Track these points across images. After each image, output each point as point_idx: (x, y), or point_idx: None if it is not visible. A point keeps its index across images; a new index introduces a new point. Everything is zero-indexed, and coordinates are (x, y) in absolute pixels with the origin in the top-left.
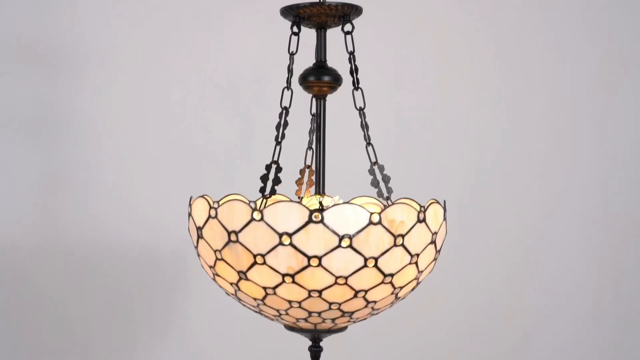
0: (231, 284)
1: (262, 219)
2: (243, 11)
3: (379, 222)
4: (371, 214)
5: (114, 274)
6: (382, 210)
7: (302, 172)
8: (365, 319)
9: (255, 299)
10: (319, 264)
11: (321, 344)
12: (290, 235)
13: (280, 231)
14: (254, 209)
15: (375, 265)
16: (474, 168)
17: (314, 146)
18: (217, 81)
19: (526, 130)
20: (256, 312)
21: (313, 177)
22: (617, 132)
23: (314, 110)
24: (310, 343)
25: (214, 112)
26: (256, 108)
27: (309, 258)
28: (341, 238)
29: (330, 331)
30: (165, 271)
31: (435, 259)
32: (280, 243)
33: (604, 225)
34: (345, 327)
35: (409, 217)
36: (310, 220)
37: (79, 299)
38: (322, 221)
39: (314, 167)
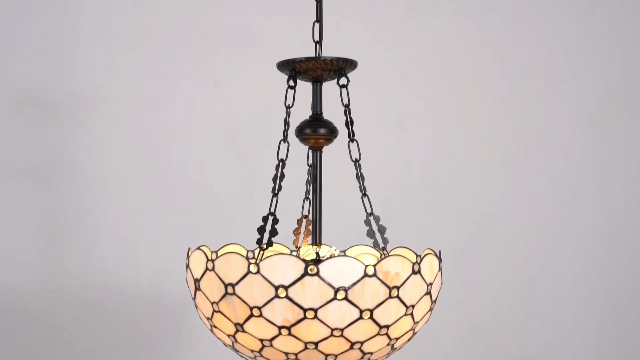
0: (228, 335)
1: (258, 271)
2: (242, 65)
3: (374, 274)
4: (366, 266)
5: (117, 319)
6: (377, 262)
7: (299, 222)
8: None
9: (252, 351)
10: (315, 316)
11: None
12: (286, 287)
13: (276, 284)
14: (250, 260)
15: (371, 317)
16: (472, 216)
17: (310, 196)
18: (216, 132)
19: (524, 179)
20: None
21: (310, 227)
22: (616, 177)
23: (310, 161)
24: None
25: (214, 160)
26: (255, 158)
27: (305, 310)
28: (337, 290)
29: None
30: (169, 315)
31: (431, 310)
32: (277, 295)
33: (603, 273)
34: None
35: (403, 269)
36: (305, 273)
37: (82, 343)
38: (317, 274)
39: (311, 217)
